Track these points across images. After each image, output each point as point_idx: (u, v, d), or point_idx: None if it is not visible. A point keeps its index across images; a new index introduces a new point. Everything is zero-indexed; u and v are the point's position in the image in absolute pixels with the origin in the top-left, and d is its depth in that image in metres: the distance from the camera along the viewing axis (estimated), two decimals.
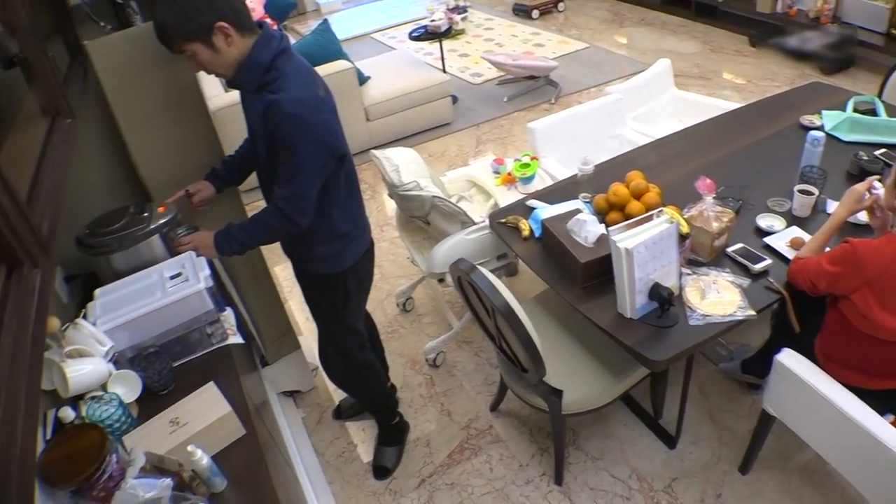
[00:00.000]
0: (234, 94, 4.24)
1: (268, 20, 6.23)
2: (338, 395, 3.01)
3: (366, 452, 2.77)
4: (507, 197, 3.05)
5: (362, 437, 2.84)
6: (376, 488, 2.62)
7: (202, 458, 1.45)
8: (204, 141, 2.24)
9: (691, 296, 2.09)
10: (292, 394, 3.06)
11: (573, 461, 2.59)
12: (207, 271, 1.89)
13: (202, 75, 2.01)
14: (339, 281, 2.18)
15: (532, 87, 5.77)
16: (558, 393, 2.21)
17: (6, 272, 1.00)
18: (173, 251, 2.04)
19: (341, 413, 2.93)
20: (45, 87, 1.69)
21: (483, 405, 2.89)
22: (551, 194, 2.67)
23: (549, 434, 2.69)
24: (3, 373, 0.83)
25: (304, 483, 2.46)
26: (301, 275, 2.26)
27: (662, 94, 3.86)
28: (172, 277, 1.86)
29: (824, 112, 2.98)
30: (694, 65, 5.91)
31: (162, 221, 2.02)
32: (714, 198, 2.22)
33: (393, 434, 2.72)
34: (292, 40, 2.08)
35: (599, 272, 2.14)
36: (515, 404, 2.85)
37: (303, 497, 2.33)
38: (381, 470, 2.66)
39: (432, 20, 5.69)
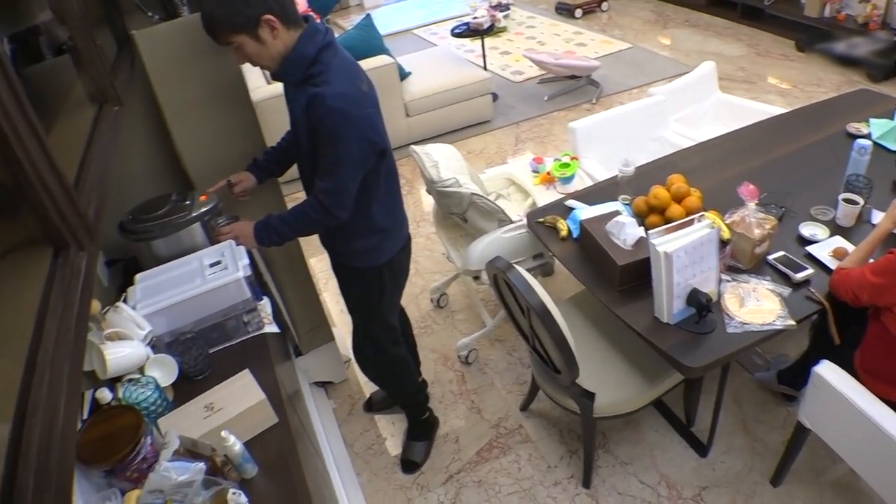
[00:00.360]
0: (277, 86, 4.29)
1: (311, 13, 6.28)
2: (369, 387, 3.03)
3: (394, 446, 2.78)
4: (545, 196, 3.04)
5: (392, 430, 2.86)
6: (403, 482, 2.63)
7: (235, 444, 1.47)
8: (247, 132, 2.27)
9: (730, 303, 2.06)
10: (324, 384, 3.09)
11: (602, 465, 2.57)
12: (246, 260, 1.91)
13: (245, 66, 2.04)
14: (375, 275, 2.19)
15: (573, 87, 5.73)
16: (590, 395, 2.19)
17: (53, 254, 1.03)
18: (214, 239, 2.07)
19: (372, 406, 2.95)
20: (93, 74, 1.71)
21: (513, 404, 2.88)
22: (590, 195, 2.65)
23: (578, 436, 2.67)
24: (47, 353, 0.85)
25: (333, 473, 2.48)
26: (338, 268, 2.28)
27: (706, 97, 3.80)
28: (212, 265, 1.89)
29: (872, 120, 2.91)
30: (738, 68, 5.81)
31: (203, 210, 2.05)
32: (756, 204, 2.19)
33: (422, 429, 2.73)
34: (335, 34, 2.10)
35: (637, 275, 2.12)
36: (546, 405, 2.83)
37: (331, 487, 2.35)
38: (409, 464, 2.67)
39: (475, 17, 5.67)
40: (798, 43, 6.01)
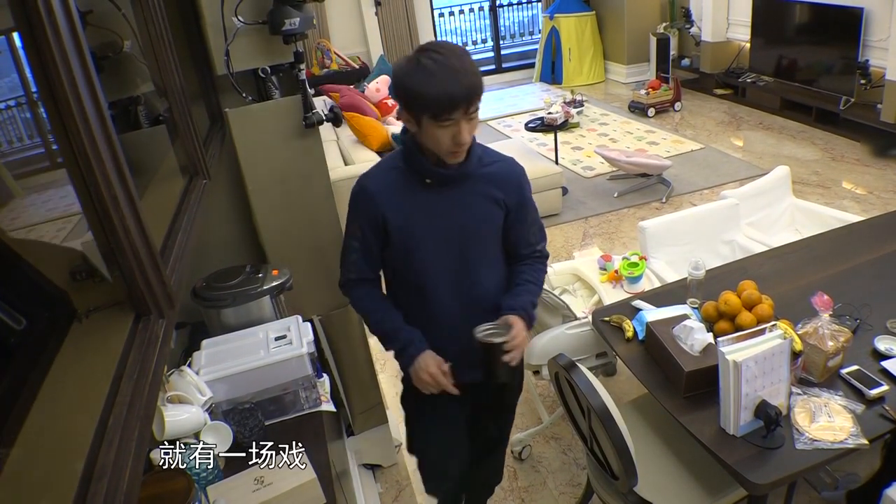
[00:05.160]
0: (353, 167, 4.44)
1: (390, 101, 6.53)
2: (417, 474, 2.96)
3: None
4: (611, 295, 3.00)
5: None
6: None
7: None
8: (323, 211, 2.34)
9: (800, 417, 1.97)
10: (373, 467, 3.04)
11: None
12: (311, 337, 1.94)
13: (326, 149, 2.12)
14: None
15: (643, 185, 5.73)
16: None
17: (134, 319, 1.06)
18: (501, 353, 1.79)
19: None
20: (186, 147, 1.80)
21: None
22: (658, 297, 2.61)
23: None
24: (119, 417, 0.87)
25: None
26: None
27: (780, 201, 3.75)
28: (277, 339, 1.92)
29: None
30: (812, 172, 5.73)
31: (274, 284, 2.10)
32: (830, 315, 2.12)
33: None
34: None
35: (703, 383, 2.05)
36: None
37: None
38: None
39: (549, 112, 5.80)
40: (874, 148, 5.91)
